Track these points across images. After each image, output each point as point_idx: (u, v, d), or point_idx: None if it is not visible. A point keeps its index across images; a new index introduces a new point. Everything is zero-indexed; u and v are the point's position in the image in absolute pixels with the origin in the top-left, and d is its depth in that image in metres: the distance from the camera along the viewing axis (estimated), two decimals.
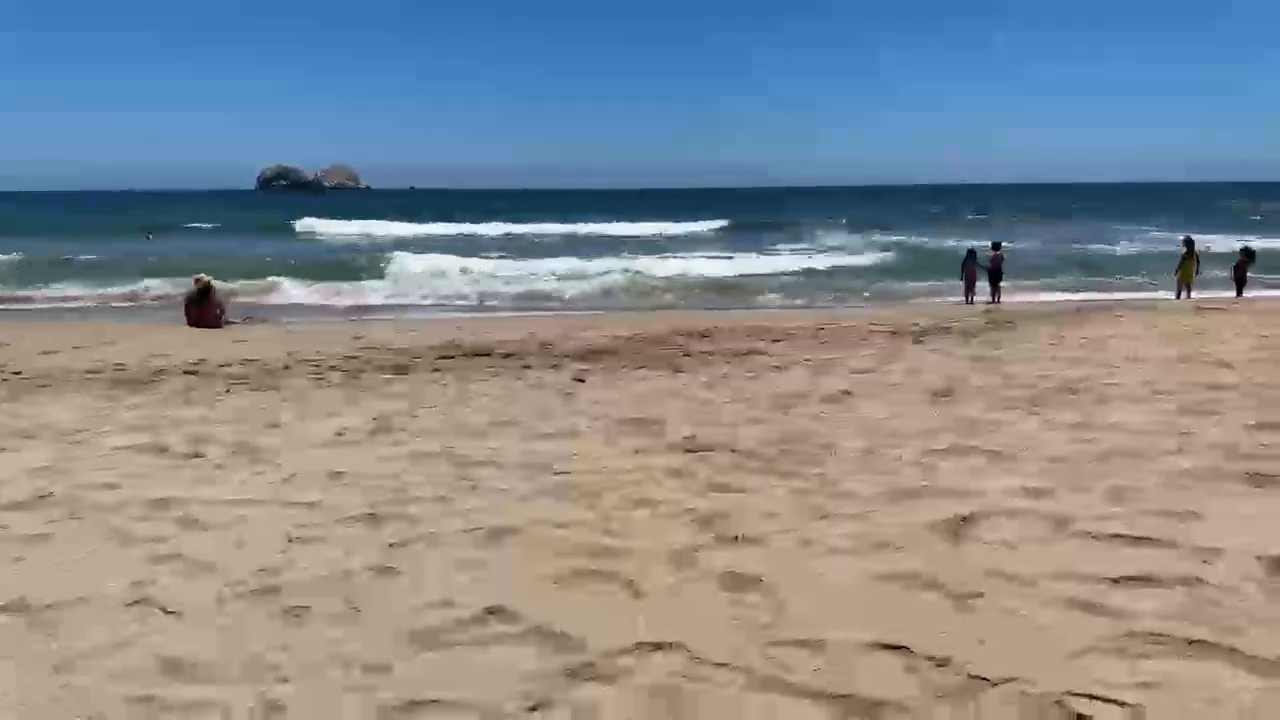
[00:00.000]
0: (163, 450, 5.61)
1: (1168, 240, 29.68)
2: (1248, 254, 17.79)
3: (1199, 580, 3.19)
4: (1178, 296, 17.01)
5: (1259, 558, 3.35)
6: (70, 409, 7.00)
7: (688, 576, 3.37)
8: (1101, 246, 32.68)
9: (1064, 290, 19.95)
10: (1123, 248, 32.16)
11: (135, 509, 4.38)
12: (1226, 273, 17.87)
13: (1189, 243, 17.67)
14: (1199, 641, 2.74)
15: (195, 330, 13.47)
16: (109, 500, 4.52)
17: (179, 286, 18.08)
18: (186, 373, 8.76)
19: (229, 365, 9.18)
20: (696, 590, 3.26)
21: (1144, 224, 44.90)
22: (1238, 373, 7.40)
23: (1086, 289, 20.35)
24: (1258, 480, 4.36)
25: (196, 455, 5.47)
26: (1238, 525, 3.72)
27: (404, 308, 18.73)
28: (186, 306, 14.57)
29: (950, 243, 31.69)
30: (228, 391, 7.74)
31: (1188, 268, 17.26)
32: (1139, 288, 20.06)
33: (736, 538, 3.73)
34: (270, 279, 21.29)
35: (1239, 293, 17.20)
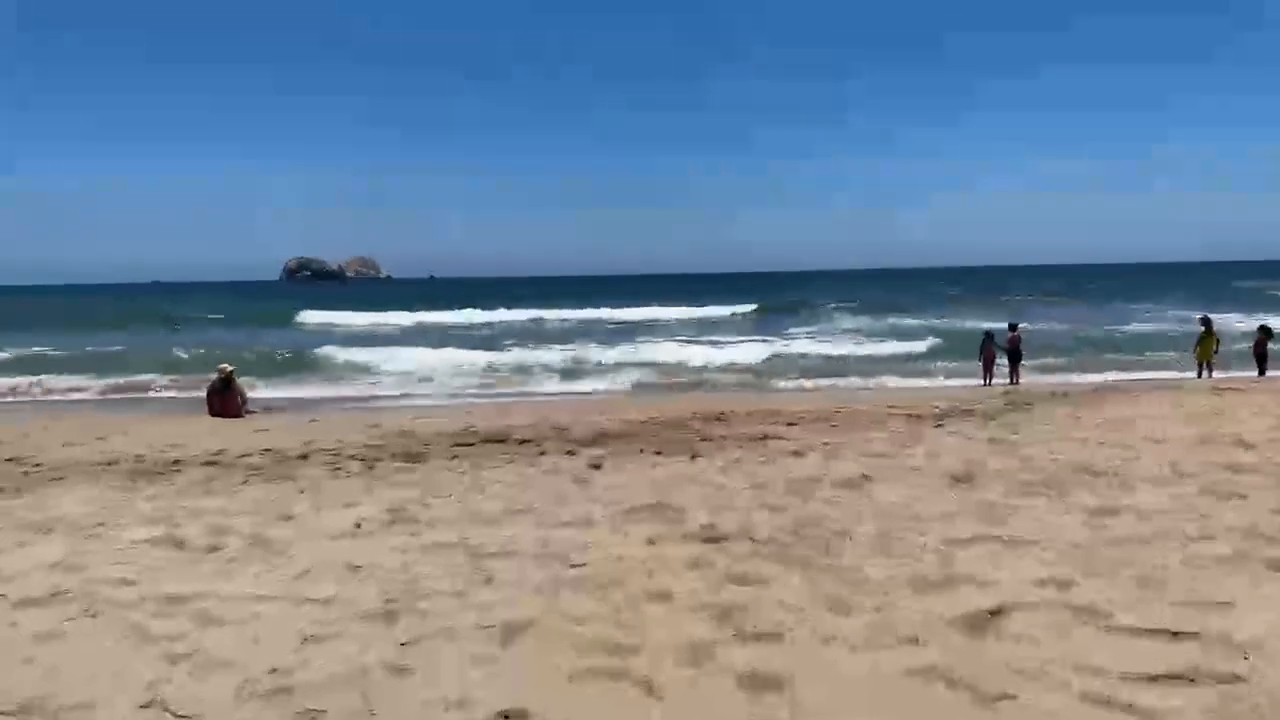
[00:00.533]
0: (180, 544, 5.62)
1: (1186, 319, 29.73)
2: (1266, 332, 17.73)
3: (1234, 677, 3.11)
4: (1198, 375, 16.90)
5: None
6: (88, 501, 7.05)
7: (705, 674, 3.31)
8: (1118, 326, 32.70)
9: (1083, 370, 19.86)
10: (1138, 327, 32.14)
11: (151, 605, 4.38)
12: (1248, 348, 17.81)
13: (1206, 321, 17.68)
14: None
15: (216, 420, 13.62)
16: (126, 596, 4.53)
17: (193, 377, 18.39)
18: (205, 464, 8.83)
19: (248, 455, 9.25)
20: (713, 689, 3.20)
21: (1160, 303, 45.06)
22: (1258, 453, 7.30)
23: (1105, 368, 20.25)
24: (1278, 565, 4.28)
25: (214, 549, 5.48)
26: (1266, 615, 3.63)
27: (418, 396, 18.88)
28: (209, 396, 14.77)
29: (968, 324, 31.86)
30: (245, 482, 7.79)
31: (1206, 346, 17.21)
32: (1159, 366, 19.95)
33: (752, 634, 3.67)
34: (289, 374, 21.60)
35: (1261, 371, 17.08)
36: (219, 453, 9.44)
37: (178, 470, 8.47)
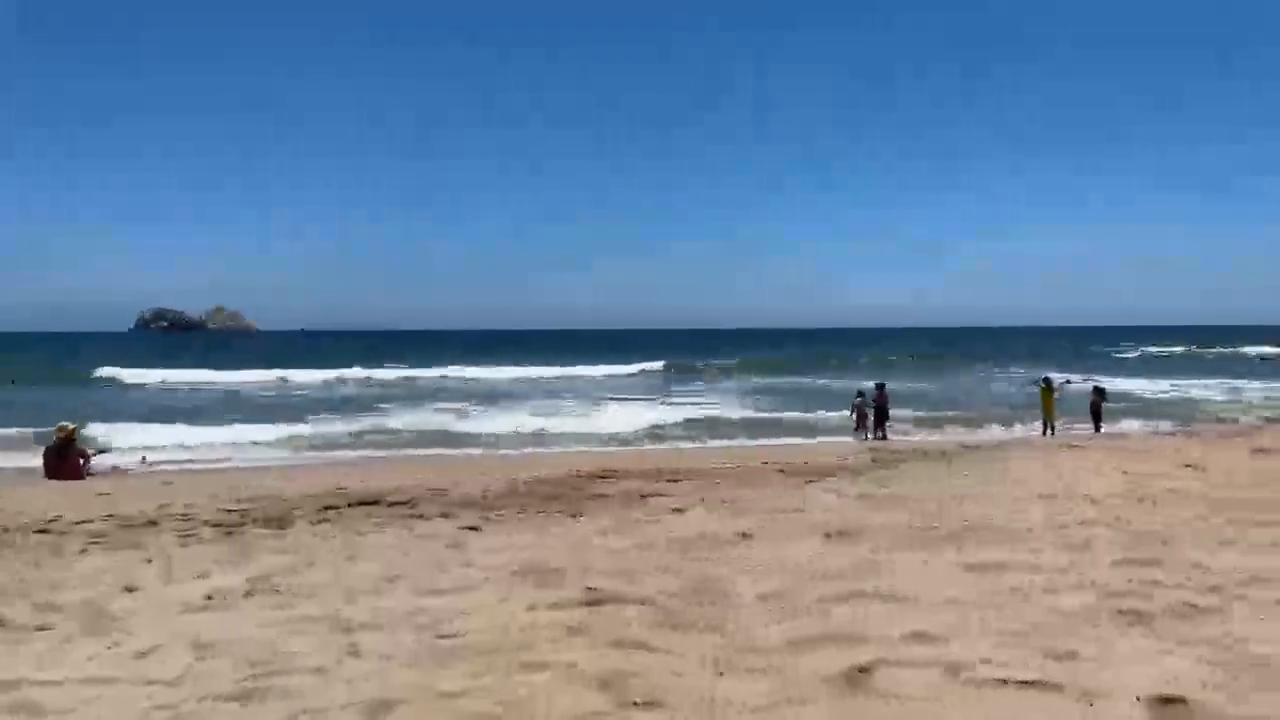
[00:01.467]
0: (2, 623, 5.05)
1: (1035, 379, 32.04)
2: (1099, 392, 19.35)
3: None
4: (1044, 433, 18.18)
5: (1139, 698, 3.46)
6: None
7: None
8: (980, 386, 34.88)
9: (943, 428, 20.95)
10: (996, 387, 34.39)
11: None
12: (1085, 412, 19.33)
13: (1048, 381, 19.21)
14: None
15: (53, 484, 12.47)
16: None
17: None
18: (37, 531, 8.03)
19: (88, 522, 8.48)
20: None
21: (1015, 365, 48.51)
22: (1103, 509, 7.86)
23: (965, 426, 21.44)
24: (1132, 618, 4.57)
25: (43, 627, 4.94)
26: (1118, 666, 3.85)
27: (286, 453, 17.87)
28: (45, 457, 13.53)
29: (841, 383, 33.22)
30: (84, 551, 7.11)
31: (1048, 404, 18.63)
32: (1011, 423, 21.28)
33: (635, 703, 3.59)
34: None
35: (1097, 428, 18.55)
36: (54, 520, 8.61)
37: (4, 540, 7.66)
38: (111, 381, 38.67)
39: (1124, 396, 26.40)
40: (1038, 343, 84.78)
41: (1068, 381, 22.66)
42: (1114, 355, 62.54)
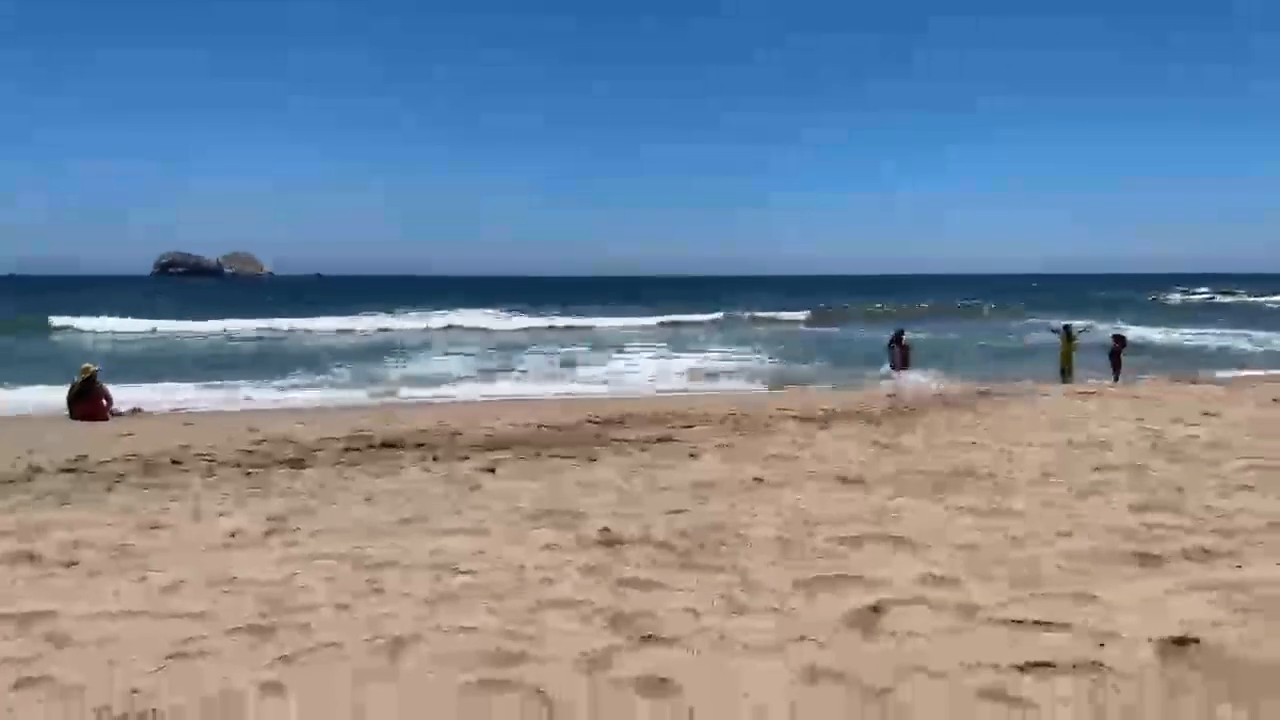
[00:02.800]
0: (33, 558, 5.17)
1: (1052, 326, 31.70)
2: (1119, 339, 19.10)
3: (1099, 665, 3.28)
4: (1061, 380, 18.04)
5: (1150, 639, 3.48)
6: None
7: (601, 683, 3.26)
8: (999, 334, 34.60)
9: (962, 376, 20.84)
10: (1013, 336, 34.09)
11: (1, 625, 4.00)
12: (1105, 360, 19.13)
13: (1067, 329, 18.98)
14: None
15: (78, 424, 12.67)
16: None
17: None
18: (64, 470, 8.18)
19: (112, 461, 8.63)
20: (610, 699, 3.15)
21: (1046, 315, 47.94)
22: (1118, 454, 7.82)
23: (984, 376, 21.33)
24: (1144, 560, 4.57)
25: (71, 563, 5.06)
26: (1131, 607, 3.86)
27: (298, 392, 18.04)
28: (69, 398, 13.74)
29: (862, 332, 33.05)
30: (109, 490, 7.25)
31: (1067, 352, 18.43)
32: (1030, 373, 21.13)
33: (648, 638, 3.65)
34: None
35: (1116, 376, 18.36)
36: (79, 459, 8.77)
37: (32, 479, 7.82)
38: (66, 329, 34.94)
39: (1149, 345, 26.18)
40: (1097, 290, 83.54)
41: (1086, 329, 22.29)
42: (1161, 301, 61.69)
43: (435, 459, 8.54)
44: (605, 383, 20.62)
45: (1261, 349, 27.59)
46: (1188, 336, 31.80)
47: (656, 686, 3.20)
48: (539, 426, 10.75)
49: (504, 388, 19.52)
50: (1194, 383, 15.74)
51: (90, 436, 10.76)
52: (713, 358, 25.82)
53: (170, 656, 3.57)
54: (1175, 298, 67.44)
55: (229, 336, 34.14)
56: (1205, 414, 10.51)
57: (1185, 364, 22.54)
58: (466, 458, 8.56)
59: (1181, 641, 3.43)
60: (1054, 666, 3.28)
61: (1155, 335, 31.82)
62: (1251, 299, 64.33)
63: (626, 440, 9.52)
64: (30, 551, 5.30)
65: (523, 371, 22.74)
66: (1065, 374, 18.26)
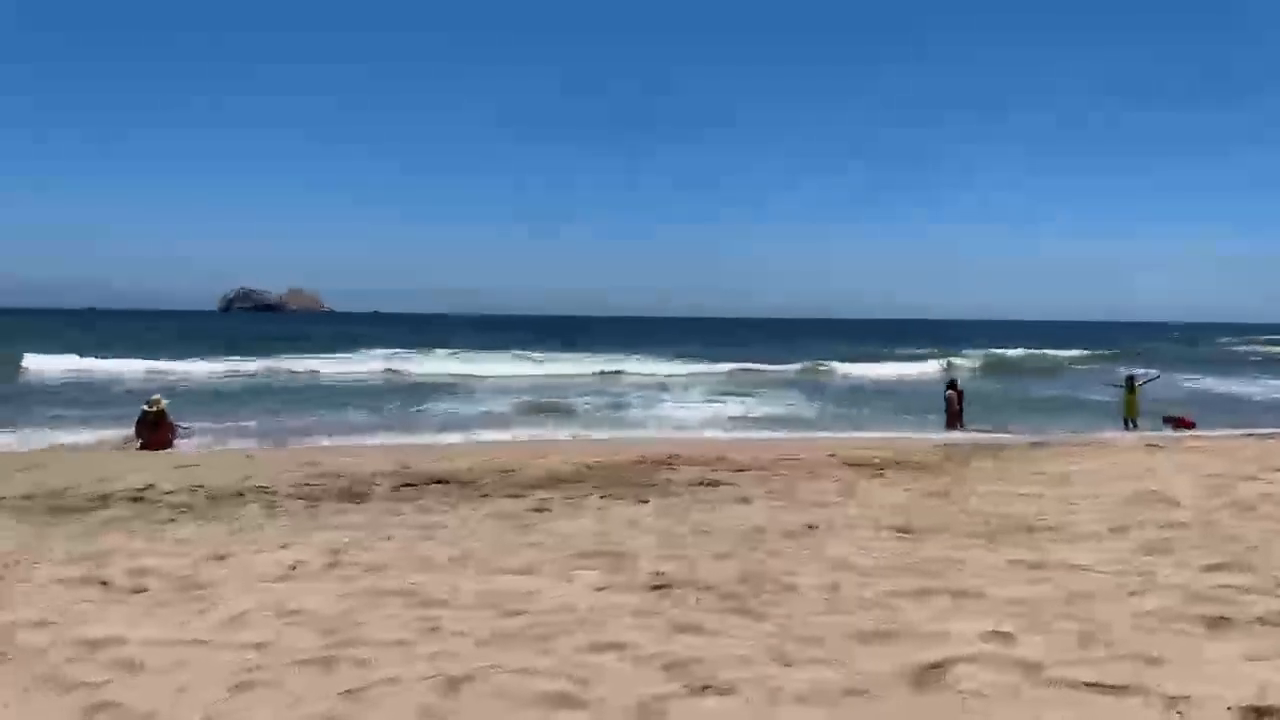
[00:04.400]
0: (102, 584, 5.35)
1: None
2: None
3: None
4: (1125, 428, 17.55)
5: (1230, 707, 3.34)
6: (3, 537, 6.67)
7: None
8: (1048, 383, 33.80)
9: (1014, 425, 20.39)
10: (1067, 385, 33.26)
11: (68, 650, 4.14)
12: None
13: (1130, 380, 18.53)
14: None
15: (144, 454, 13.11)
16: (40, 640, 4.27)
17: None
18: (131, 499, 8.46)
19: (178, 492, 8.89)
20: None
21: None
22: (1188, 511, 7.55)
23: (1039, 425, 20.84)
24: (1217, 623, 4.40)
25: (139, 590, 5.22)
26: (1203, 672, 3.72)
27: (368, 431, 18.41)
28: (137, 427, 14.24)
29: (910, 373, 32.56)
30: (174, 520, 7.47)
31: (1131, 403, 17.97)
32: (1092, 420, 20.59)
33: (704, 688, 3.62)
34: None
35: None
36: (146, 488, 9.06)
37: (101, 506, 8.10)
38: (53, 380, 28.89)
39: (1218, 396, 25.28)
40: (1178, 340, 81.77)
41: (1153, 378, 21.63)
42: (1230, 349, 60.20)
43: (488, 496, 8.62)
44: (656, 425, 20.65)
45: None
46: (1258, 389, 30.68)
47: None
48: (588, 466, 10.80)
49: (555, 430, 19.68)
50: (1268, 437, 15.14)
51: (157, 467, 11.11)
52: (767, 404, 25.68)
53: (236, 686, 3.66)
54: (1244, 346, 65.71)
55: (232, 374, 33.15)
56: (1277, 469, 10.10)
57: (1261, 416, 21.73)
58: (518, 496, 8.63)
59: (1262, 711, 3.29)
60: None
61: (1231, 386, 30.80)
62: None
63: (675, 482, 9.50)
64: (100, 578, 5.49)
65: (578, 410, 22.91)
66: (1129, 424, 17.78)
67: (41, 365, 32.63)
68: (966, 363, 43.86)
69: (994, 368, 43.07)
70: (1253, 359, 53.91)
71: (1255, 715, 3.28)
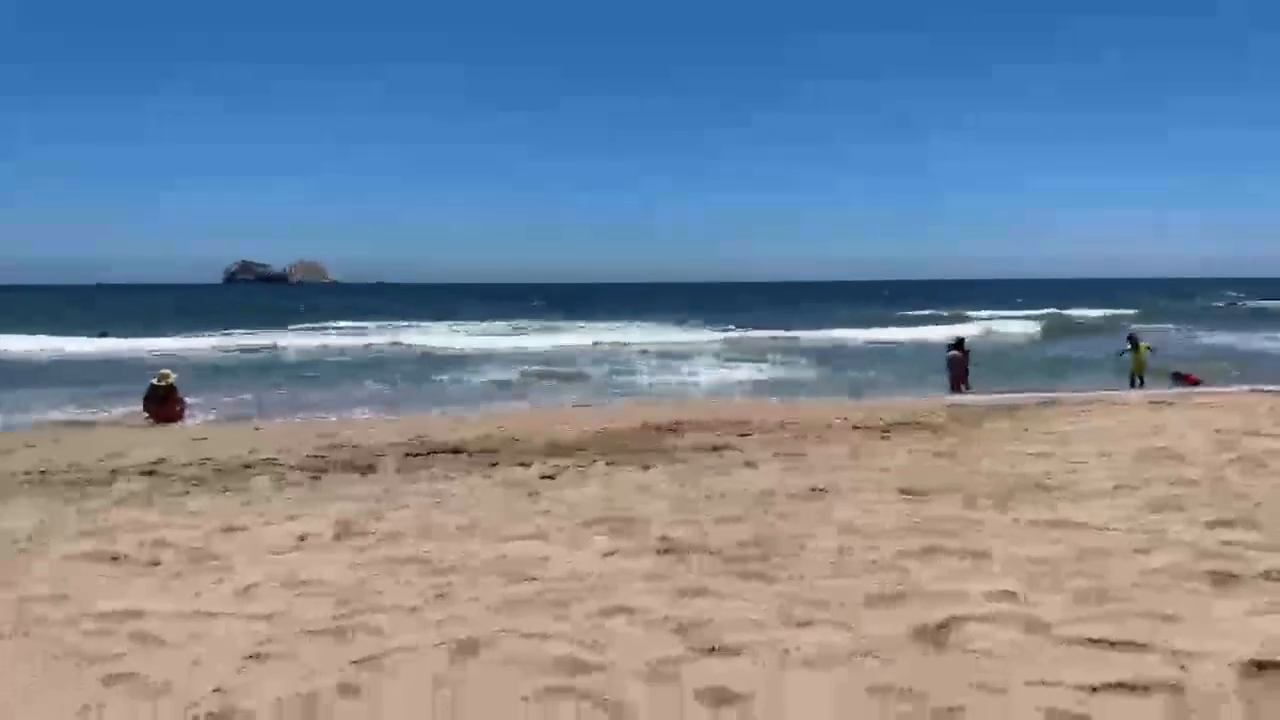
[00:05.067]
0: (117, 558, 5.41)
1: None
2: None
3: (1176, 687, 3.19)
4: (1131, 387, 17.50)
5: (1231, 662, 3.36)
6: (16, 514, 6.74)
7: (667, 693, 3.28)
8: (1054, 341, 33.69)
9: (1023, 384, 20.35)
10: (1075, 342, 33.17)
11: (86, 623, 4.20)
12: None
13: (1134, 338, 18.46)
14: None
15: (155, 429, 13.19)
16: (58, 615, 4.33)
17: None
18: (144, 474, 8.53)
19: (189, 465, 8.96)
20: (677, 709, 3.17)
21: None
22: (1195, 468, 7.55)
23: (1048, 384, 20.79)
24: (1223, 579, 4.41)
25: (153, 563, 5.28)
26: (1210, 628, 3.74)
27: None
28: (146, 402, 14.31)
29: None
30: (186, 493, 7.53)
31: (1137, 360, 17.90)
32: (1095, 382, 20.54)
33: (713, 649, 3.66)
34: None
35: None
36: (158, 462, 9.13)
37: (114, 481, 8.17)
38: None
39: (1220, 350, 25.20)
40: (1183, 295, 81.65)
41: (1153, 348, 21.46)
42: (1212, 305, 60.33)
43: (497, 465, 8.67)
44: (660, 392, 20.66)
45: None
46: (1259, 343, 30.59)
47: (722, 698, 3.21)
48: (595, 433, 10.83)
49: (561, 398, 19.71)
50: (1272, 392, 15.08)
51: (167, 441, 11.18)
52: (777, 367, 25.68)
53: (250, 657, 3.71)
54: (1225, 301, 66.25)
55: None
56: None
57: (1263, 371, 21.65)
58: (526, 464, 8.67)
59: (1264, 665, 3.31)
60: (1130, 688, 3.20)
61: (1232, 340, 30.67)
62: None
63: (682, 447, 9.53)
64: (114, 552, 5.55)
65: (584, 378, 22.95)
66: (1137, 380, 17.74)
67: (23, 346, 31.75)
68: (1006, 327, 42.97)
69: (1053, 331, 42.00)
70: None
71: (1258, 669, 3.30)
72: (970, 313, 53.90)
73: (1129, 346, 18.26)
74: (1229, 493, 6.46)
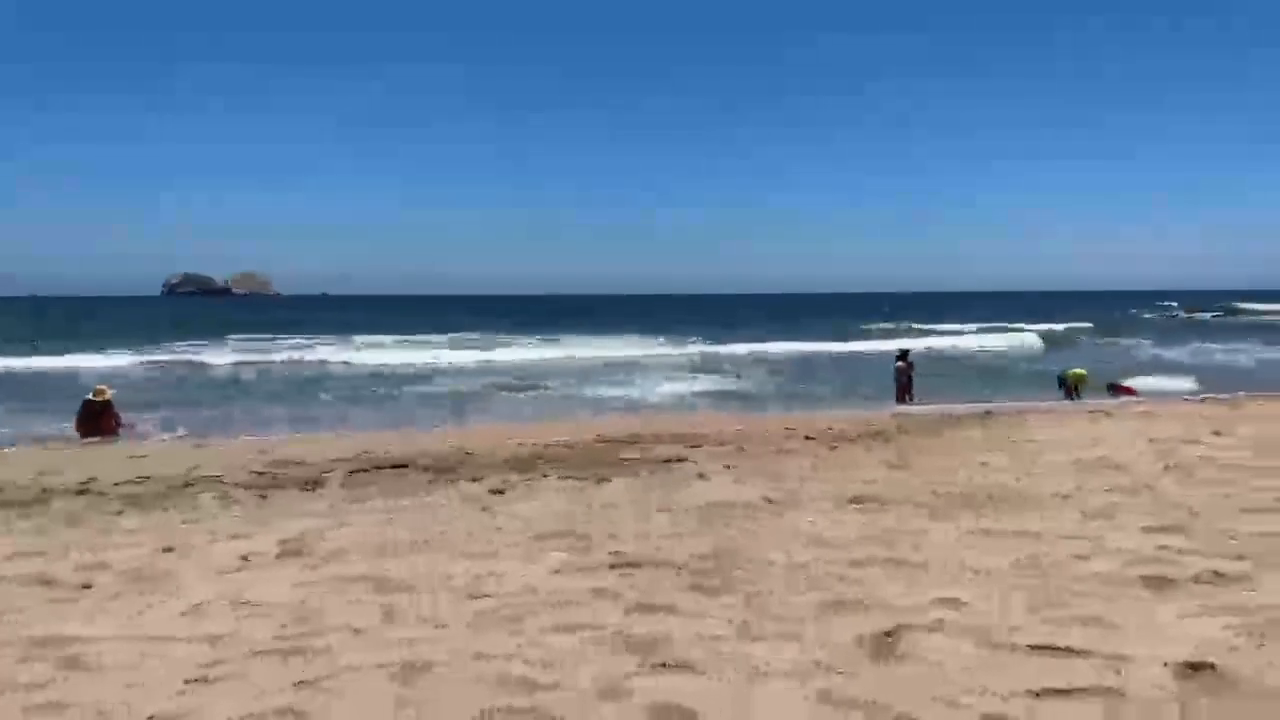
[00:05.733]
0: (49, 581, 5.21)
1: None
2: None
3: (1115, 691, 3.28)
4: (1068, 398, 18.04)
5: (1165, 664, 3.48)
6: None
7: (618, 710, 3.27)
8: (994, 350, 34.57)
9: (971, 397, 20.82)
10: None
11: (14, 650, 4.03)
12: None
13: (1062, 379, 19.09)
14: None
15: (88, 447, 12.74)
16: None
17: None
18: (78, 493, 8.23)
19: (126, 483, 8.67)
20: None
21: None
22: (1130, 475, 7.81)
23: (992, 394, 21.29)
24: (1158, 584, 4.56)
25: (87, 586, 5.09)
26: (1147, 632, 3.86)
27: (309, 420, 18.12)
28: (79, 419, 13.83)
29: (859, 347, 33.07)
30: (122, 513, 7.29)
31: (1078, 373, 18.49)
32: (1037, 389, 21.10)
33: (666, 665, 3.66)
34: None
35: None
36: (90, 480, 8.82)
37: (46, 501, 7.87)
38: None
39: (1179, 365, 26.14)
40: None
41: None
42: (1144, 317, 62.89)
43: (448, 481, 8.56)
44: (617, 404, 20.64)
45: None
46: (1190, 353, 31.85)
47: (676, 713, 3.21)
48: (547, 446, 10.78)
49: (518, 409, 19.57)
50: (1200, 400, 15.68)
51: (101, 459, 10.82)
52: (740, 381, 25.83)
53: (191, 680, 3.60)
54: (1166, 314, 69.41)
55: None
56: (1215, 432, 10.48)
57: (1194, 379, 22.48)
58: (479, 479, 8.58)
59: (1196, 667, 3.43)
60: (1069, 693, 3.28)
61: (1162, 351, 31.81)
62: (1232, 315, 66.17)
63: (636, 460, 9.53)
64: (45, 575, 5.34)
65: (541, 390, 22.81)
66: (1073, 393, 18.27)
67: None
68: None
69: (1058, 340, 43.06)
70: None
71: (1192, 671, 3.41)
72: (918, 325, 54.99)
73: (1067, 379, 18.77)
74: (1165, 500, 6.69)
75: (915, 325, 54.62)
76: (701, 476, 8.41)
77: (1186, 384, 21.05)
